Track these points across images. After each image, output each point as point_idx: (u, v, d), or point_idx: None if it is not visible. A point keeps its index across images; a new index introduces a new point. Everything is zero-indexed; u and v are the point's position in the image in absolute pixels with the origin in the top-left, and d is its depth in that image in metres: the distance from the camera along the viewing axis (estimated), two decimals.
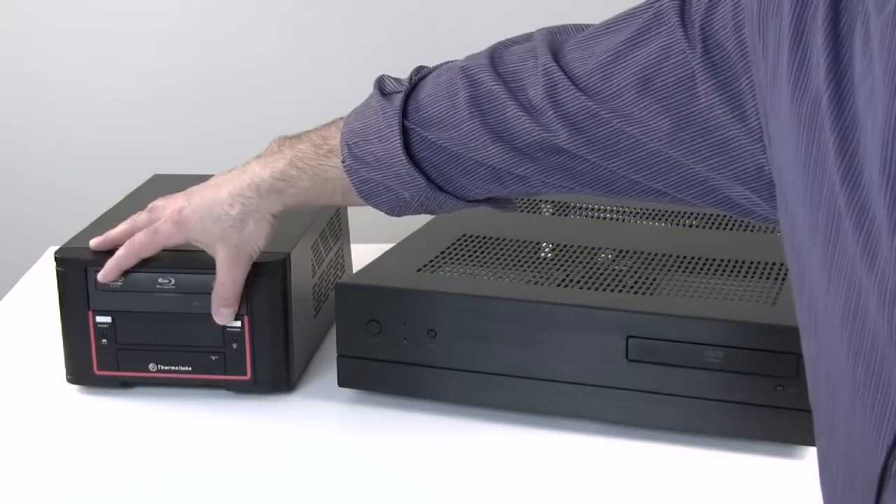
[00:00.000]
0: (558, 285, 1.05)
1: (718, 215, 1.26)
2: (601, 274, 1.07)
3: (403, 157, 0.92)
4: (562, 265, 1.10)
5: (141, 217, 1.05)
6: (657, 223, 1.25)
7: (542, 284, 1.05)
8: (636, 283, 1.05)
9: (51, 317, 1.10)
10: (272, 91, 1.73)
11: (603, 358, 0.99)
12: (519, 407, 1.03)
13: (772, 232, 1.21)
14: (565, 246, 1.15)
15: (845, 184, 0.59)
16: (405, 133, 0.92)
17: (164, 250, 1.04)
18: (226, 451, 1.01)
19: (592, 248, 1.14)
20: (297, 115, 1.72)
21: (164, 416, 1.06)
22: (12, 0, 1.70)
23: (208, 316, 1.04)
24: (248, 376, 1.07)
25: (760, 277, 1.07)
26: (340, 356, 1.07)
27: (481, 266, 1.10)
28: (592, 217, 1.27)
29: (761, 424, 0.97)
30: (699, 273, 1.09)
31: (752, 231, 1.22)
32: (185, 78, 1.72)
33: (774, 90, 0.67)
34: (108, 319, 1.06)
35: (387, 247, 1.16)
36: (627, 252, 1.13)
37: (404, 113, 0.92)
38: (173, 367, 1.07)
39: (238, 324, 1.05)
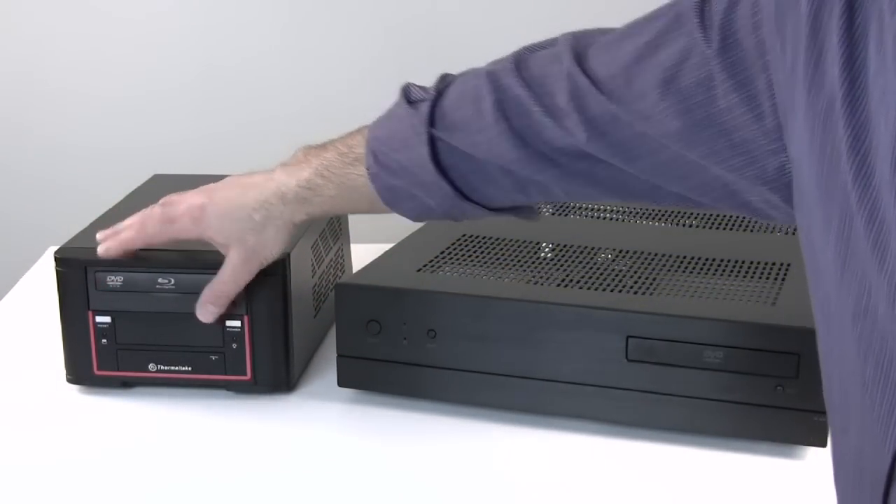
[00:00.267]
0: (558, 285, 1.05)
1: (718, 215, 1.26)
2: (601, 274, 1.07)
3: (431, 166, 0.92)
4: (562, 265, 1.10)
5: (154, 210, 1.04)
6: (657, 223, 1.25)
7: (542, 284, 1.05)
8: (636, 283, 1.05)
9: (51, 317, 1.10)
10: (272, 91, 1.73)
11: (603, 358, 0.99)
12: (519, 407, 1.03)
13: (772, 232, 1.21)
14: (565, 246, 1.15)
15: (857, 182, 0.60)
16: (432, 141, 0.92)
17: (164, 250, 1.04)
18: (226, 451, 1.01)
19: (592, 248, 1.14)
20: (297, 116, 1.73)
21: (164, 416, 1.06)
22: (13, 0, 1.70)
23: None
24: (248, 376, 1.07)
25: (760, 277, 1.07)
26: (340, 356, 1.07)
27: (481, 266, 1.10)
28: (592, 217, 1.27)
29: (761, 424, 0.97)
30: (699, 273, 1.09)
31: (752, 231, 1.22)
32: (185, 78, 1.72)
33: (792, 89, 0.67)
34: (107, 319, 1.06)
35: (387, 247, 1.16)
36: (627, 252, 1.13)
37: (431, 121, 0.92)
38: (173, 367, 1.07)
39: (238, 324, 1.05)
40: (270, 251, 1.01)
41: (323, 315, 1.19)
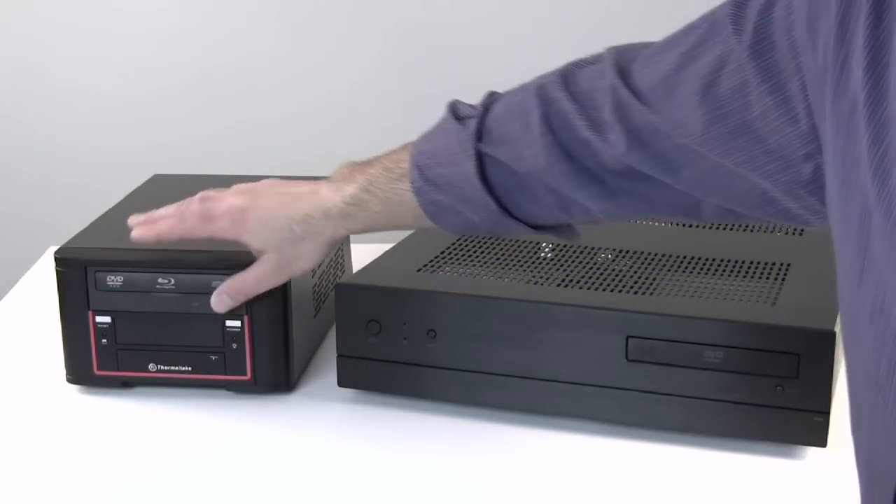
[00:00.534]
0: (558, 285, 1.05)
1: None
2: (601, 274, 1.07)
3: (477, 182, 0.92)
4: (562, 265, 1.10)
5: (193, 205, 1.03)
6: (657, 223, 1.25)
7: (542, 284, 1.05)
8: (636, 283, 1.05)
9: (51, 317, 1.10)
10: (273, 91, 1.73)
11: (603, 358, 0.99)
12: (519, 407, 1.03)
13: (772, 232, 1.21)
14: (565, 246, 1.15)
15: (875, 181, 0.60)
16: (479, 157, 0.92)
17: (164, 250, 1.04)
18: (226, 451, 1.01)
19: (592, 248, 1.14)
20: (297, 116, 1.73)
21: (164, 416, 1.06)
22: (14, 0, 1.70)
23: (208, 316, 1.04)
24: (248, 376, 1.07)
25: (760, 277, 1.07)
26: (340, 356, 1.07)
27: (481, 266, 1.10)
28: None
29: (761, 424, 0.97)
30: (699, 273, 1.09)
31: (752, 231, 1.22)
32: (185, 78, 1.72)
33: (822, 91, 0.68)
34: (107, 319, 1.06)
35: (387, 247, 1.16)
36: (627, 252, 1.13)
37: (478, 136, 0.92)
38: (173, 367, 1.07)
39: (238, 324, 1.05)
40: (303, 264, 1.02)
41: (323, 315, 1.19)
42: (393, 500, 0.94)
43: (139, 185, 1.30)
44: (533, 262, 1.11)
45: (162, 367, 1.07)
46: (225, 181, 1.32)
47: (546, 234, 0.97)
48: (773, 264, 1.10)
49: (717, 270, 1.09)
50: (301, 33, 1.70)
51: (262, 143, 1.73)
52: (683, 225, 1.24)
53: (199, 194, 1.04)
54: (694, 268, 1.10)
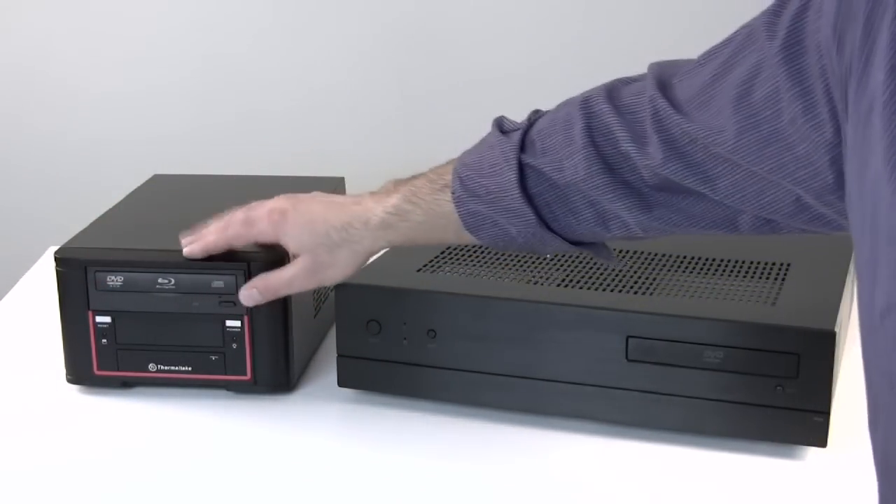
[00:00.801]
0: (558, 285, 1.05)
1: None
2: (601, 274, 1.07)
3: (517, 192, 0.92)
4: (562, 265, 1.10)
5: (237, 214, 1.03)
6: None
7: (542, 284, 1.05)
8: (636, 283, 1.05)
9: (51, 317, 1.10)
10: (273, 92, 1.73)
11: (603, 358, 0.99)
12: (519, 407, 1.03)
13: None
14: None
15: (891, 181, 0.60)
16: (520, 167, 0.92)
17: (164, 250, 1.05)
18: (226, 451, 1.01)
19: None
20: (297, 116, 1.73)
21: (164, 416, 1.06)
22: (14, 0, 1.70)
23: (208, 316, 1.04)
24: (248, 376, 1.07)
25: (760, 277, 1.07)
26: (340, 356, 1.07)
27: (481, 266, 1.10)
28: None
29: (761, 424, 0.97)
30: (699, 273, 1.09)
31: None
32: (185, 78, 1.73)
33: (846, 92, 0.68)
34: (107, 319, 1.06)
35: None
36: (627, 252, 1.13)
37: (521, 147, 0.93)
38: (173, 367, 1.07)
39: (238, 324, 1.05)
40: (336, 273, 1.01)
41: (323, 315, 1.19)
42: (393, 500, 0.94)
43: (139, 185, 1.30)
44: (533, 262, 1.11)
45: (162, 367, 1.07)
46: (225, 181, 1.33)
47: (583, 250, 0.97)
48: (773, 264, 1.10)
49: (717, 270, 1.09)
50: (301, 33, 1.70)
51: (263, 143, 1.73)
52: None
53: (248, 205, 1.04)
54: (694, 268, 1.10)
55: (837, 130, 0.73)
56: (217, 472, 0.97)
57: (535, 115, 0.96)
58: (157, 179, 1.33)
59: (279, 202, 1.02)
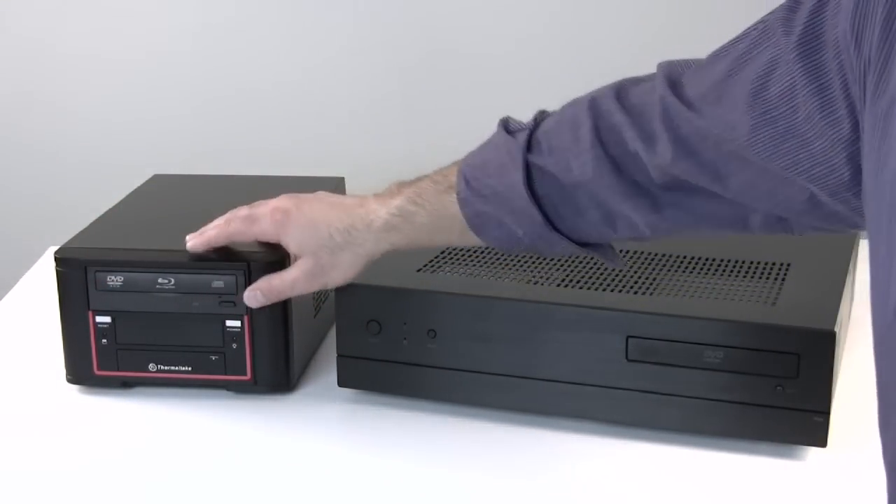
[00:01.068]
0: (558, 285, 1.05)
1: None
2: (601, 274, 1.07)
3: (524, 192, 0.91)
4: (562, 265, 1.10)
5: (241, 210, 1.04)
6: None
7: (542, 284, 1.05)
8: (636, 283, 1.05)
9: (51, 317, 1.10)
10: (273, 92, 1.73)
11: (603, 358, 0.99)
12: (519, 407, 1.03)
13: None
14: None
15: None
16: (527, 167, 0.92)
17: (164, 250, 1.05)
18: (226, 451, 1.01)
19: None
20: (297, 117, 1.73)
21: (164, 416, 1.06)
22: (13, 0, 1.70)
23: (208, 316, 1.04)
24: (248, 376, 1.07)
25: (760, 277, 1.07)
26: (340, 356, 1.07)
27: (481, 266, 1.10)
28: None
29: (761, 424, 0.97)
30: (699, 273, 1.09)
31: None
32: (185, 79, 1.72)
33: (864, 88, 0.68)
34: (108, 319, 1.06)
35: None
36: (628, 252, 1.13)
37: (528, 147, 0.92)
38: (173, 367, 1.07)
39: (238, 324, 1.05)
40: (337, 276, 1.01)
41: (323, 315, 1.19)
42: (393, 500, 0.94)
43: (139, 185, 1.30)
44: (533, 262, 1.11)
45: (162, 367, 1.07)
46: (225, 181, 1.33)
47: (589, 252, 0.96)
48: (773, 264, 1.10)
49: (717, 270, 1.09)
50: (301, 33, 1.70)
51: (263, 143, 1.73)
52: None
53: (254, 203, 1.04)
54: (694, 268, 1.10)
55: (855, 126, 0.72)
56: (217, 472, 0.97)
57: (541, 116, 0.95)
58: (157, 179, 1.33)
59: (282, 201, 1.02)
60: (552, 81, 1.60)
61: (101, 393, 1.09)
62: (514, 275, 1.08)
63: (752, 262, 1.11)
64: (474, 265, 1.11)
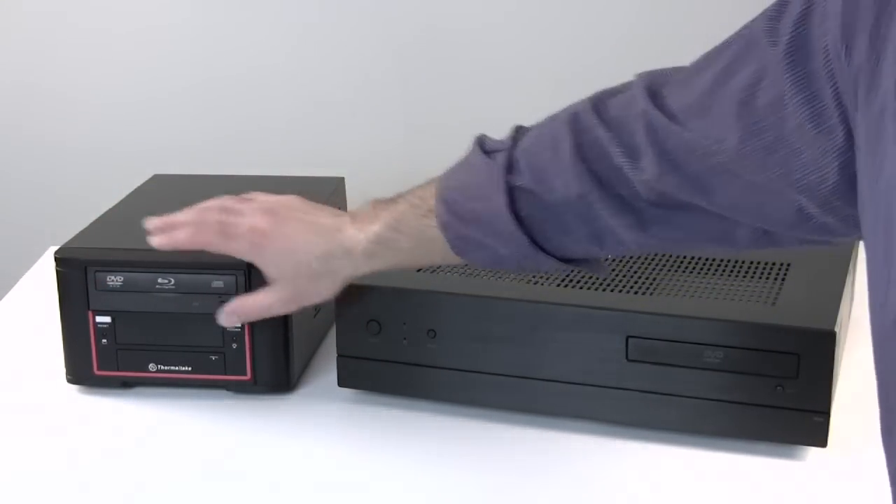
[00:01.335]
0: (558, 285, 1.05)
1: None
2: None
3: (508, 216, 0.90)
4: None
5: (212, 216, 1.01)
6: None
7: (542, 284, 1.05)
8: (636, 283, 1.05)
9: (51, 317, 1.10)
10: (272, 92, 1.73)
11: (603, 358, 0.99)
12: (519, 407, 1.03)
13: None
14: None
15: None
16: (510, 191, 0.90)
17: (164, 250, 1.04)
18: (226, 451, 1.01)
19: None
20: (297, 117, 1.73)
21: (164, 416, 1.06)
22: (14, 0, 1.70)
23: (208, 316, 1.04)
24: (248, 376, 1.07)
25: (760, 277, 1.07)
26: (340, 356, 1.07)
27: None
28: None
29: (761, 424, 0.97)
30: (699, 273, 1.09)
31: None
32: (185, 78, 1.72)
33: (856, 95, 0.67)
34: (108, 319, 1.06)
35: None
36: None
37: (508, 168, 0.90)
38: (173, 367, 1.07)
39: (238, 324, 1.05)
40: (315, 299, 1.01)
41: (323, 315, 1.19)
42: (393, 499, 0.94)
43: (139, 185, 1.30)
44: None
45: (162, 367, 1.07)
46: (225, 181, 1.33)
47: (575, 266, 0.94)
48: (773, 264, 1.10)
49: (717, 270, 1.09)
50: (302, 35, 1.70)
51: (262, 143, 1.73)
52: None
53: (219, 202, 1.02)
54: (694, 268, 1.10)
55: (848, 134, 0.71)
56: (217, 472, 0.97)
57: (518, 133, 0.93)
58: (157, 179, 1.33)
59: (260, 220, 0.99)
60: (552, 81, 1.60)
61: (101, 393, 1.09)
62: (514, 275, 1.08)
63: (752, 262, 1.11)
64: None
